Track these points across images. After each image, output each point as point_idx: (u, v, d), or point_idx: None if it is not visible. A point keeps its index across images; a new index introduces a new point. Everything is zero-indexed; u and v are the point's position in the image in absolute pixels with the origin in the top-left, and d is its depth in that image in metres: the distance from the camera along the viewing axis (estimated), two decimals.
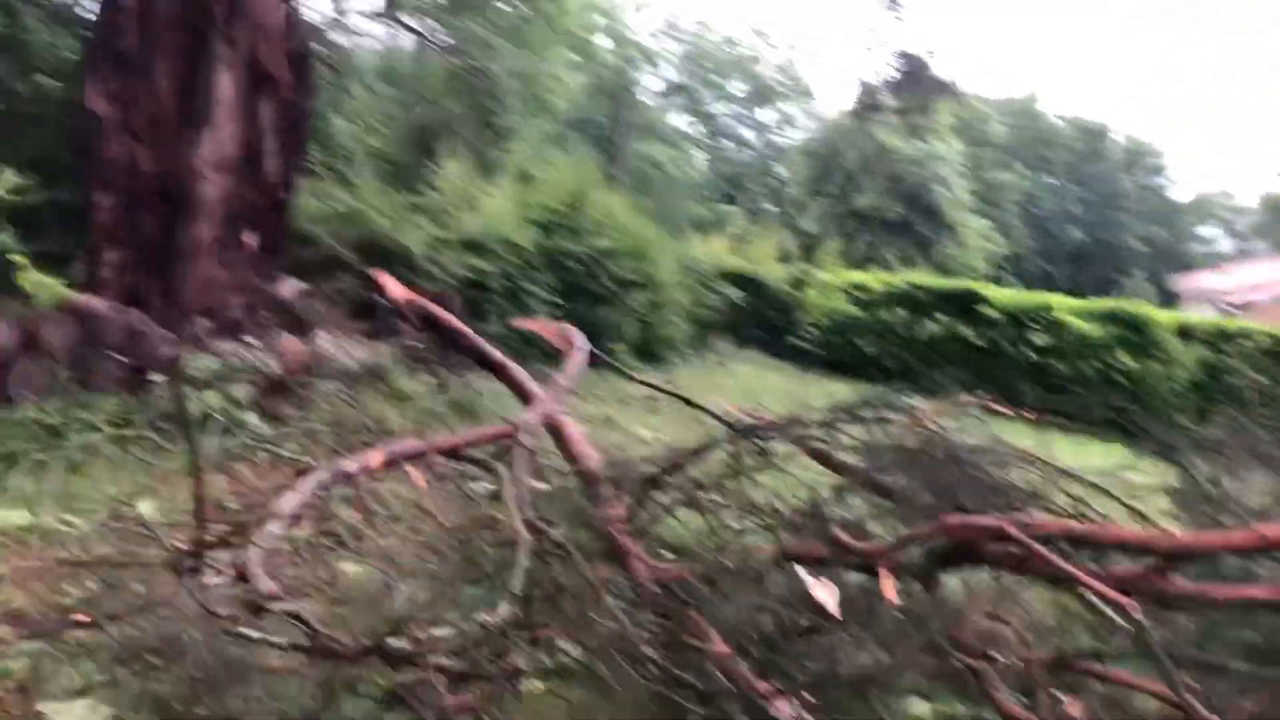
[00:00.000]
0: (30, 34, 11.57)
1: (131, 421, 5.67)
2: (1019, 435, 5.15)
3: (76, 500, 4.94)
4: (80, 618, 3.32)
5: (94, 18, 9.36)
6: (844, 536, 4.04)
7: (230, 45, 7.71)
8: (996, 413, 5.31)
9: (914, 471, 4.75)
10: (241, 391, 6.47)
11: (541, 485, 5.86)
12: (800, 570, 3.87)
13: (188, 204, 7.66)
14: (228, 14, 7.69)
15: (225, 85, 7.73)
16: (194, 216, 7.68)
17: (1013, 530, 3.61)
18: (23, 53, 11.75)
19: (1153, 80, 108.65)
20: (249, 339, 7.42)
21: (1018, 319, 15.89)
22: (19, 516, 4.62)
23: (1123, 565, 3.76)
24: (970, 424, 5.14)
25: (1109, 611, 3.14)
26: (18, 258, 6.58)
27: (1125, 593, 3.12)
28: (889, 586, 3.68)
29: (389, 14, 23.04)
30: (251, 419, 6.45)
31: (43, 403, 5.59)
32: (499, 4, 25.17)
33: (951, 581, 4.35)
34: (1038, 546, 3.52)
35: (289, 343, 7.37)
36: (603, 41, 44.94)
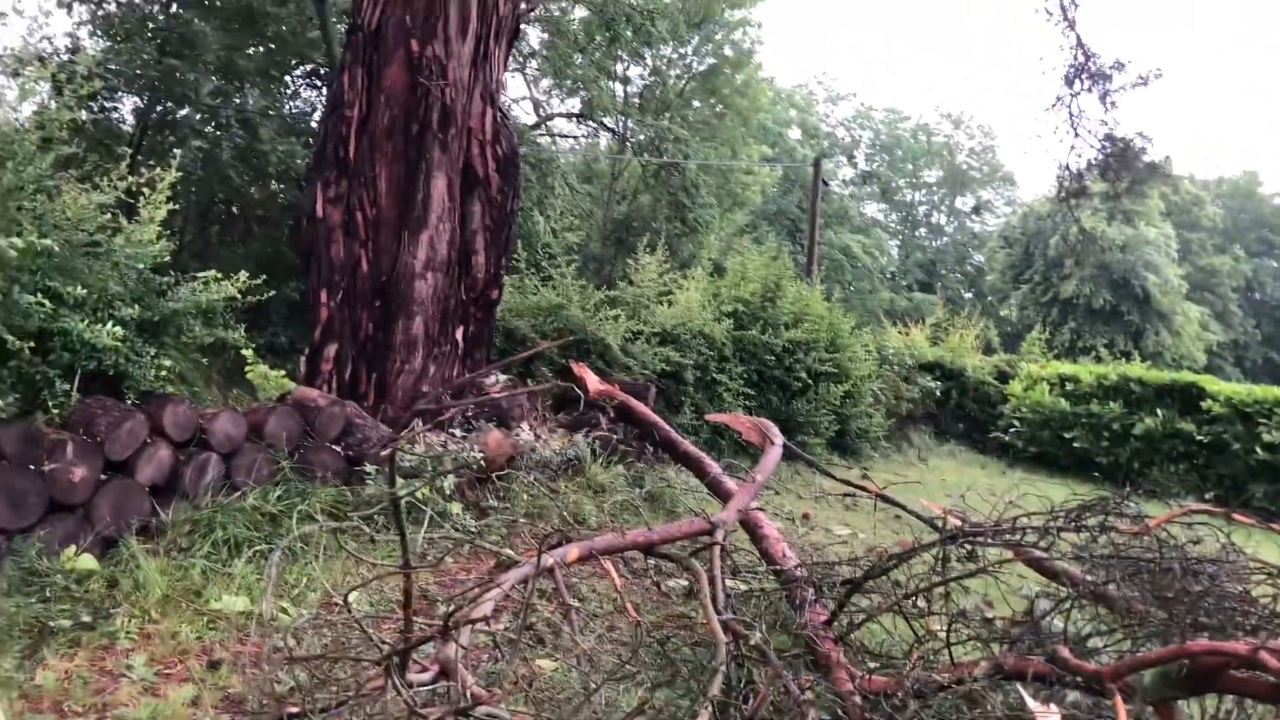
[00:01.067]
0: (264, 144, 12.63)
1: (346, 512, 5.89)
2: (1259, 546, 4.70)
3: (293, 588, 5.14)
4: (292, 709, 3.39)
5: (321, 118, 10.09)
6: (1068, 654, 3.73)
7: (444, 150, 8.14)
8: (1236, 520, 4.86)
9: (1143, 584, 4.38)
10: (448, 483, 6.64)
11: (739, 585, 5.73)
12: (1022, 690, 3.60)
13: (403, 302, 8.05)
14: (442, 121, 8.13)
15: (440, 188, 8.14)
16: (409, 314, 8.06)
17: (1270, 658, 3.25)
18: (258, 161, 12.83)
19: None
20: (456, 431, 7.65)
21: (1246, 414, 14.74)
22: (240, 603, 4.83)
23: None
24: (1198, 530, 4.73)
25: None
26: (247, 352, 7.03)
27: None
28: (1122, 712, 3.36)
29: (588, 115, 24.03)
30: (456, 510, 6.61)
31: (265, 491, 5.88)
32: (694, 102, 25.92)
33: (1190, 708, 3.96)
34: None
35: (492, 435, 7.55)
36: (794, 133, 45.41)
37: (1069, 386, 17.39)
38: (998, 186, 55.67)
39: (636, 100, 24.96)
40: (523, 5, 9.40)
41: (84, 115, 8.48)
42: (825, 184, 26.45)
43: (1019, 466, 16.35)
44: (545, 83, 24.52)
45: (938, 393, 17.61)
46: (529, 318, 10.45)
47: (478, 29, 8.49)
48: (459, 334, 8.47)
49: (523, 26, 11.33)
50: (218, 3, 13.54)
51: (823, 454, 12.91)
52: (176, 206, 7.10)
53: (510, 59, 13.37)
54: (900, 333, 20.50)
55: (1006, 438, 17.54)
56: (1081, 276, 40.46)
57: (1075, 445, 16.38)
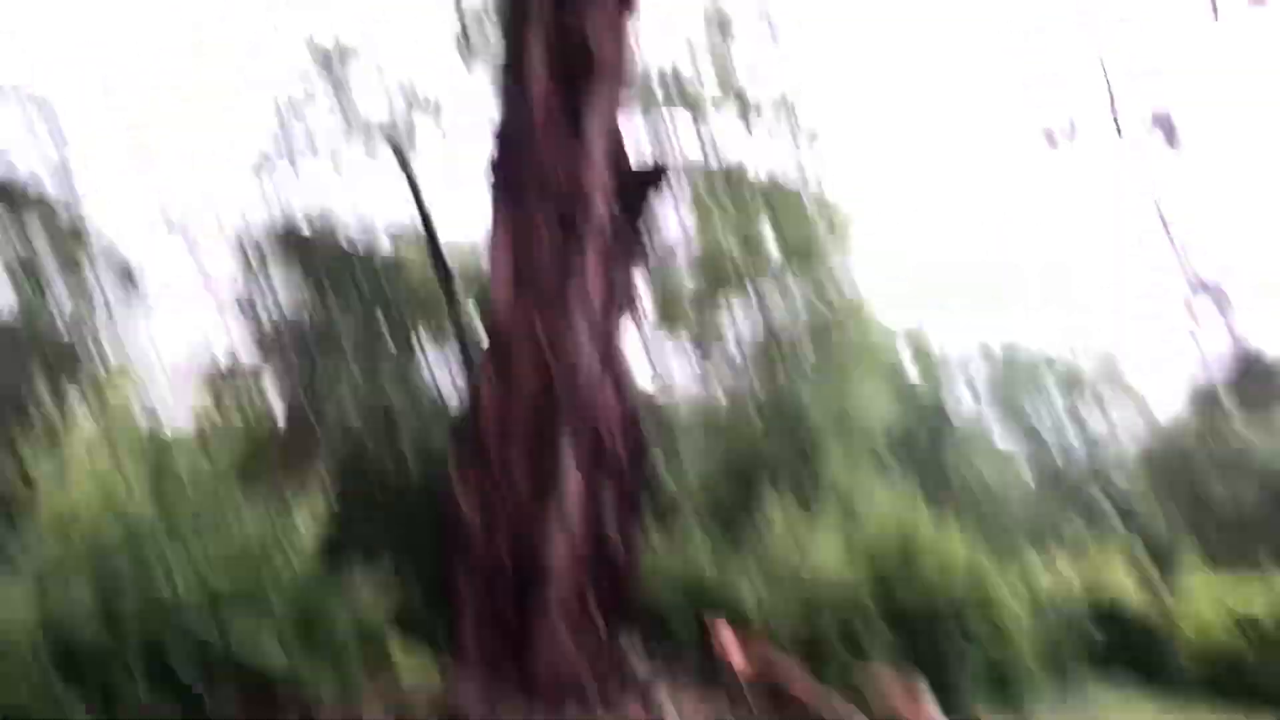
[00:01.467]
0: (400, 423, 13.27)
1: None
2: None
3: None
4: None
5: (457, 412, 10.61)
6: None
7: (575, 434, 8.46)
8: None
9: None
10: None
11: None
12: None
13: (540, 580, 8.18)
14: (570, 407, 8.50)
15: (571, 472, 8.41)
16: (545, 592, 8.16)
17: None
18: (396, 444, 13.43)
19: None
20: (598, 708, 7.55)
21: None
22: None
23: None
24: None
25: None
26: (394, 649, 7.16)
27: None
28: None
29: (703, 368, 24.61)
30: None
31: None
32: (805, 344, 26.30)
33: None
34: None
35: (635, 710, 7.43)
36: (909, 365, 45.51)
37: (1236, 609, 16.14)
38: (1129, 403, 54.33)
39: (749, 350, 25.49)
40: (637, 283, 9.90)
41: (240, 422, 9.13)
42: (948, 419, 26.26)
43: (1194, 701, 15.07)
44: (660, 334, 25.31)
45: (1094, 627, 16.59)
46: (663, 581, 10.42)
47: (601, 308, 8.95)
48: (597, 609, 8.49)
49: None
50: (354, 300, 14.62)
51: (980, 707, 12.16)
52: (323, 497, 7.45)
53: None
54: (1045, 562, 19.57)
55: (1175, 670, 16.24)
56: (1230, 488, 38.52)
57: (1250, 675, 15.03)
